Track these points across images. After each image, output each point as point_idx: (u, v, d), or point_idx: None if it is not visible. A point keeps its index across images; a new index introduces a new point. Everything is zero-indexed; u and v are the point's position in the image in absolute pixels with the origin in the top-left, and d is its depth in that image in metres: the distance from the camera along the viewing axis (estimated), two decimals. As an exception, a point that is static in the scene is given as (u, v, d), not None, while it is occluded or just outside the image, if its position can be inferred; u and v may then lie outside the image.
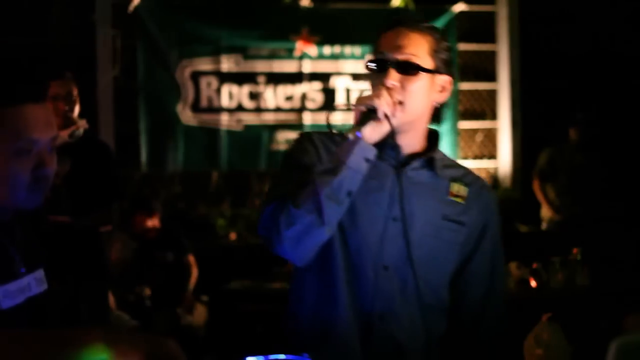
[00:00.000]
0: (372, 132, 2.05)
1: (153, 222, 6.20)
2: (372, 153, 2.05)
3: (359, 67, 7.33)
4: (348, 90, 7.35)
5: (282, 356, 1.55)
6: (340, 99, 7.30)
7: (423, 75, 2.11)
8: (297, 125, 7.25)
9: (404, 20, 2.16)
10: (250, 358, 1.55)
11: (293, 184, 2.07)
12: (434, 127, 2.27)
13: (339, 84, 7.33)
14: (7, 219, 1.87)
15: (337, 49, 7.32)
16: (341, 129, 2.08)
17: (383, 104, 2.03)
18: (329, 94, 7.32)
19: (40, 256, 1.97)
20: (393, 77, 2.09)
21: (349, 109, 2.12)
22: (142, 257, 6.10)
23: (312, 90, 7.29)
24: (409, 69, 2.10)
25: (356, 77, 7.36)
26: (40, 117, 1.80)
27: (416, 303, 2.17)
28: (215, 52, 7.12)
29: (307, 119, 7.25)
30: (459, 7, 7.50)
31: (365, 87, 7.18)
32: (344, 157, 2.02)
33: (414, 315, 2.17)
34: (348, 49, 7.33)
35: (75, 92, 4.24)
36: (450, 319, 2.25)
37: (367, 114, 2.03)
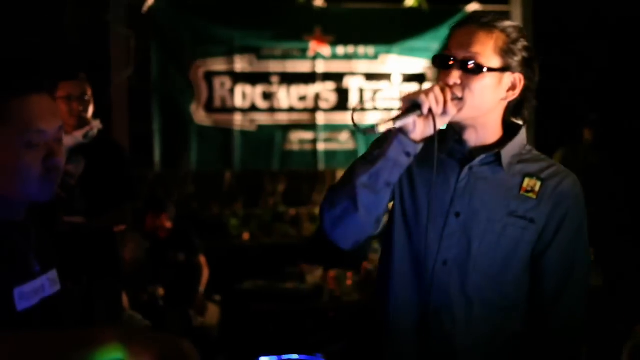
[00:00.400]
0: (417, 127, 2.05)
1: (165, 222, 6.21)
2: (412, 147, 2.05)
3: (373, 67, 7.32)
4: (361, 90, 7.34)
5: (296, 356, 1.56)
6: (353, 99, 7.29)
7: (487, 74, 2.11)
8: (310, 126, 7.25)
9: (475, 18, 2.15)
10: (264, 358, 1.56)
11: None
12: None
13: (353, 84, 7.31)
14: (22, 218, 1.88)
15: (350, 49, 7.30)
16: (365, 126, 2.07)
17: (430, 100, 2.01)
18: (343, 94, 7.30)
19: (53, 257, 1.97)
20: (453, 75, 2.10)
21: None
22: (154, 257, 6.11)
23: (326, 90, 7.28)
24: (471, 67, 2.09)
25: (370, 77, 7.35)
26: (45, 107, 1.81)
27: (478, 301, 2.15)
28: (229, 52, 7.12)
29: (321, 119, 7.24)
30: (473, 7, 7.47)
31: (378, 87, 7.11)
32: (385, 148, 2.06)
33: (474, 314, 2.15)
34: (361, 49, 7.31)
35: (89, 92, 4.24)
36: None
37: (410, 108, 2.03)
